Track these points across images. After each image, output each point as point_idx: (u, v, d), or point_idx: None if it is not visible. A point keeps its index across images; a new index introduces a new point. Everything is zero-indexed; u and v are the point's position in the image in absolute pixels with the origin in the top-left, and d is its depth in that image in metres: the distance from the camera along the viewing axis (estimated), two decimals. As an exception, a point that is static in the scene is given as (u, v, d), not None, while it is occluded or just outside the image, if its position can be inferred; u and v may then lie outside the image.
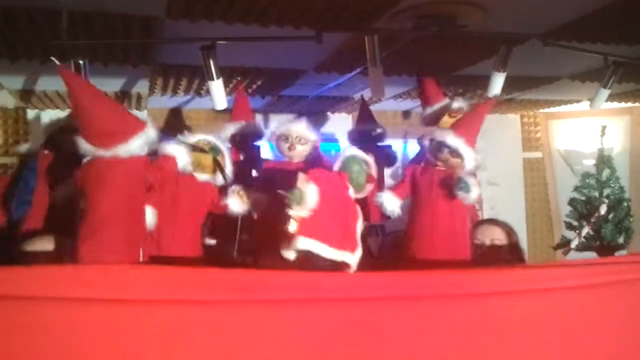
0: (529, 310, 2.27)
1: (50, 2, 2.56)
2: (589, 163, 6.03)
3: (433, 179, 3.39)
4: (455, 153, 3.30)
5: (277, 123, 4.24)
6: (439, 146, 3.34)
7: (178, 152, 3.24)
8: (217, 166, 3.43)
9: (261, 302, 2.08)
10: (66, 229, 2.93)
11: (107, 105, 2.99)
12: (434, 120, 3.79)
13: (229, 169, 3.50)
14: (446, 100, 3.79)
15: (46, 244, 2.97)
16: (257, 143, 4.30)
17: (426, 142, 3.56)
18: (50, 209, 3.53)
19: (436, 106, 3.78)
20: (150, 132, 2.95)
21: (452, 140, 3.30)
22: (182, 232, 3.27)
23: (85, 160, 2.94)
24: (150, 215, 3.09)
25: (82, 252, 2.78)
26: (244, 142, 4.14)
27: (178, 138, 3.38)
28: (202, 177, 3.39)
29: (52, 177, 3.56)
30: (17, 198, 3.68)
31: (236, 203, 3.32)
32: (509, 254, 3.30)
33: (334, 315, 2.12)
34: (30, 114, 4.99)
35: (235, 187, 3.35)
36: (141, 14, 2.77)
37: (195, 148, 3.36)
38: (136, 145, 2.92)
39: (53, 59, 2.80)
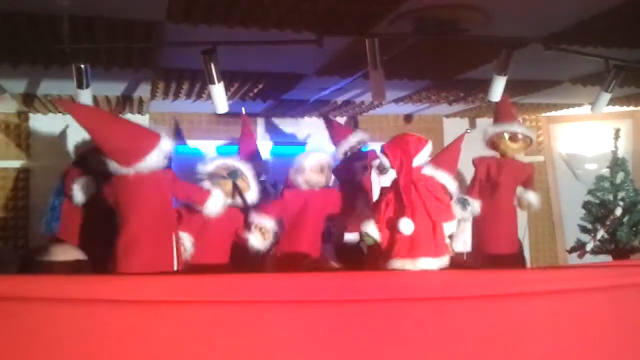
0: (543, 312, 2.28)
1: (52, 6, 2.57)
2: (591, 167, 6.02)
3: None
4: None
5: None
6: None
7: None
8: (237, 191, 3.46)
9: (272, 303, 2.09)
10: (96, 245, 2.99)
11: (117, 125, 3.04)
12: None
13: (253, 188, 3.52)
14: (513, 124, 3.82)
15: (68, 254, 3.02)
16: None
17: None
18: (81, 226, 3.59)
19: (498, 126, 3.80)
20: (164, 145, 3.02)
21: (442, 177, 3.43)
22: (211, 258, 3.30)
23: (114, 176, 3.02)
24: (187, 242, 3.15)
25: (120, 266, 2.89)
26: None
27: (198, 169, 3.41)
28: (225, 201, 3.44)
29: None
30: (46, 217, 3.77)
31: (258, 240, 3.35)
32: (512, 264, 3.67)
33: (344, 316, 2.13)
34: (33, 118, 5.00)
35: (257, 223, 3.37)
36: (142, 18, 2.78)
37: (214, 175, 3.39)
38: (153, 161, 2.98)
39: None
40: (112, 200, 3.07)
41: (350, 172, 4.35)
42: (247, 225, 3.46)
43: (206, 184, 3.41)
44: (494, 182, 3.80)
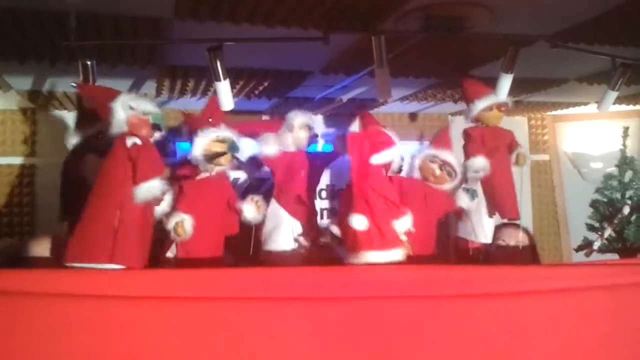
0: (547, 310, 2.28)
1: (58, 3, 2.58)
2: (597, 166, 5.99)
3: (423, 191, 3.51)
4: (443, 165, 3.47)
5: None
6: (431, 158, 3.50)
7: (247, 209, 3.27)
8: (238, 163, 3.45)
9: (271, 300, 2.10)
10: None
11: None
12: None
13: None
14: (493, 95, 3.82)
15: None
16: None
17: (412, 158, 3.64)
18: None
19: (486, 100, 3.80)
20: (115, 110, 2.75)
21: (442, 153, 3.48)
22: (202, 233, 3.24)
23: None
24: (188, 224, 3.10)
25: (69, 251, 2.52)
26: None
27: (194, 147, 3.34)
28: (217, 168, 3.35)
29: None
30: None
31: (251, 210, 3.32)
32: (530, 255, 3.64)
33: (346, 311, 2.13)
34: (39, 114, 5.01)
35: (253, 196, 3.35)
36: (149, 15, 2.78)
37: (212, 155, 3.32)
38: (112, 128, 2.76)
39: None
40: None
41: None
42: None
43: (205, 165, 3.31)
44: (490, 146, 3.82)
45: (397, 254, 2.91)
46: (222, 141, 3.30)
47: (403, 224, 2.97)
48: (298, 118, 3.69)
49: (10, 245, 4.75)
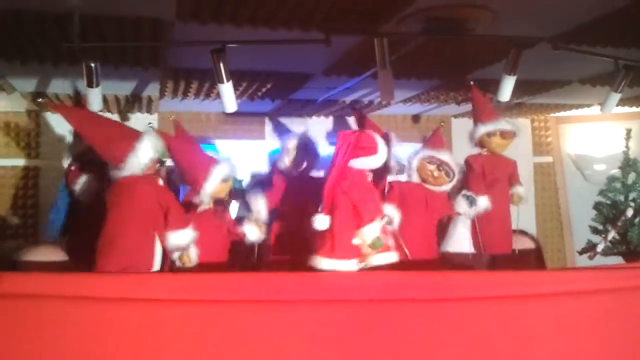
0: (551, 314, 2.27)
1: (61, 5, 2.59)
2: (600, 168, 5.98)
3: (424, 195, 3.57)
4: (441, 165, 3.54)
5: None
6: (428, 159, 3.56)
7: (250, 231, 3.33)
8: (232, 195, 3.50)
9: (271, 303, 2.10)
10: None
11: (99, 128, 3.09)
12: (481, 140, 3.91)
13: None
14: (500, 121, 3.83)
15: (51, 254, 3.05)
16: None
17: (409, 160, 3.66)
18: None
19: (490, 125, 3.81)
20: (141, 151, 3.00)
21: (439, 153, 3.54)
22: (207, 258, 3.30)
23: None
24: (193, 253, 3.16)
25: (97, 265, 2.89)
26: None
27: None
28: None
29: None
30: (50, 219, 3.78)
31: (254, 231, 3.36)
32: (536, 260, 3.76)
33: (343, 314, 2.13)
34: (42, 117, 5.03)
35: (252, 216, 3.38)
36: (152, 17, 2.79)
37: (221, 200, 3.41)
38: (136, 164, 2.99)
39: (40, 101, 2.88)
40: (108, 202, 3.08)
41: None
42: (239, 219, 3.47)
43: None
44: (490, 179, 3.80)
45: (350, 265, 2.90)
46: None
47: (369, 232, 2.94)
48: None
49: (16, 247, 4.77)
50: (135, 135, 3.09)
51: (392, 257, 3.05)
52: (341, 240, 2.90)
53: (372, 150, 3.07)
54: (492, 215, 3.71)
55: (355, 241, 2.93)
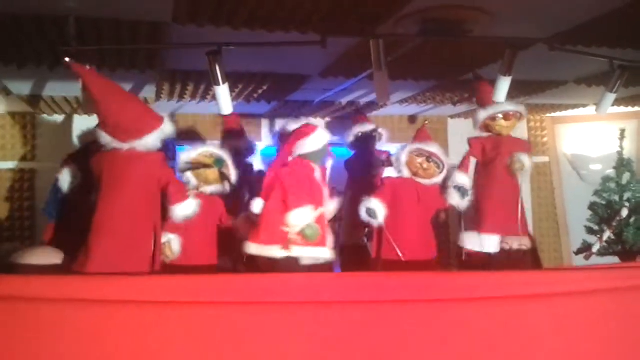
0: (549, 314, 2.28)
1: (58, 8, 2.58)
2: (596, 168, 6.00)
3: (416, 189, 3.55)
4: (430, 157, 3.51)
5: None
6: (416, 152, 3.53)
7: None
8: (224, 178, 3.47)
9: (268, 304, 2.10)
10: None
11: (125, 100, 3.03)
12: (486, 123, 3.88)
13: (233, 176, 3.52)
14: (504, 103, 3.79)
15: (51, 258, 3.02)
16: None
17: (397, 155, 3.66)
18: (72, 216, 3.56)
19: (490, 109, 3.79)
20: (166, 129, 3.02)
21: (427, 145, 3.53)
22: (195, 246, 3.28)
23: (104, 150, 2.98)
24: (175, 244, 3.14)
25: (91, 244, 2.79)
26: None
27: (181, 157, 3.42)
28: (210, 189, 3.43)
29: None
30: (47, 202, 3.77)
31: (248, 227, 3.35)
32: (532, 259, 3.70)
33: (341, 315, 2.13)
34: (39, 119, 5.02)
35: (246, 213, 3.37)
36: (148, 20, 2.79)
37: (198, 165, 3.38)
38: (152, 141, 2.98)
39: (67, 59, 2.83)
40: (97, 174, 3.01)
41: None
42: (234, 212, 3.46)
43: (189, 176, 3.40)
44: (491, 158, 3.77)
45: (273, 251, 2.91)
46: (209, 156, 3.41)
47: (295, 218, 2.93)
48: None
49: (12, 250, 4.75)
50: (159, 116, 3.08)
51: (323, 253, 3.01)
52: (267, 225, 2.93)
53: (307, 133, 3.10)
54: (487, 192, 3.69)
55: (284, 228, 2.94)
